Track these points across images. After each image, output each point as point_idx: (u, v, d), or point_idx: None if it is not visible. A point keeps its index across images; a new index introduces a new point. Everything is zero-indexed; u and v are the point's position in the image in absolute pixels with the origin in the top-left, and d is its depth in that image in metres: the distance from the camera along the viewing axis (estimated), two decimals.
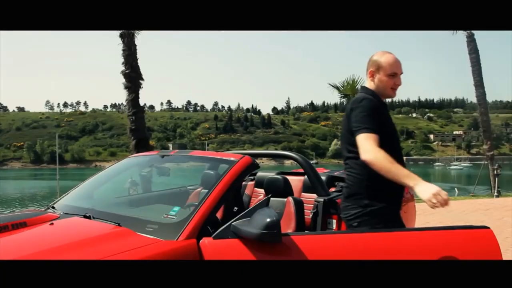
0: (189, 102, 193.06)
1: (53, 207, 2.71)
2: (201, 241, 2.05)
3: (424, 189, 2.10)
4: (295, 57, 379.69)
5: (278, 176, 3.38)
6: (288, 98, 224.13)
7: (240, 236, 2.05)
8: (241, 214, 2.15)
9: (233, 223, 2.08)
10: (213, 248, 2.04)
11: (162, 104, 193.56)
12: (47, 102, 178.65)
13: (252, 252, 2.02)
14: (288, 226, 3.00)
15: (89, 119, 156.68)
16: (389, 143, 2.40)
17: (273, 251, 2.05)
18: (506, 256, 5.01)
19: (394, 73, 2.50)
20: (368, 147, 2.28)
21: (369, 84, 2.57)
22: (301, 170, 3.54)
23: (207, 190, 2.38)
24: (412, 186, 2.17)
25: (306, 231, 3.00)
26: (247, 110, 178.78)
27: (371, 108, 2.40)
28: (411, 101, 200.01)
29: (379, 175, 2.25)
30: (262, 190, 3.65)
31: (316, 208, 3.04)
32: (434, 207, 2.09)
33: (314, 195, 3.16)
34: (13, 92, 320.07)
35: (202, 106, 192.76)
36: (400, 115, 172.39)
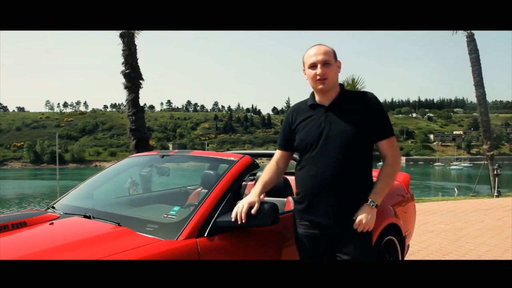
0: (189, 102, 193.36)
1: (53, 207, 2.71)
2: (198, 240, 2.07)
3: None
4: (295, 57, 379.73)
5: None
6: (288, 98, 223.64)
7: (230, 228, 2.18)
8: (218, 212, 2.24)
9: (219, 219, 2.19)
10: (211, 246, 2.09)
11: (162, 104, 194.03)
12: (47, 102, 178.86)
13: (244, 239, 2.26)
14: None
15: (89, 119, 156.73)
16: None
17: (257, 234, 2.32)
18: (506, 256, 5.02)
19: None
20: None
21: None
22: None
23: (207, 190, 2.38)
24: None
25: None
26: (247, 110, 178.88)
27: None
28: (411, 101, 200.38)
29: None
30: None
31: None
32: None
33: None
34: (13, 92, 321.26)
35: (202, 106, 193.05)
36: (400, 115, 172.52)
